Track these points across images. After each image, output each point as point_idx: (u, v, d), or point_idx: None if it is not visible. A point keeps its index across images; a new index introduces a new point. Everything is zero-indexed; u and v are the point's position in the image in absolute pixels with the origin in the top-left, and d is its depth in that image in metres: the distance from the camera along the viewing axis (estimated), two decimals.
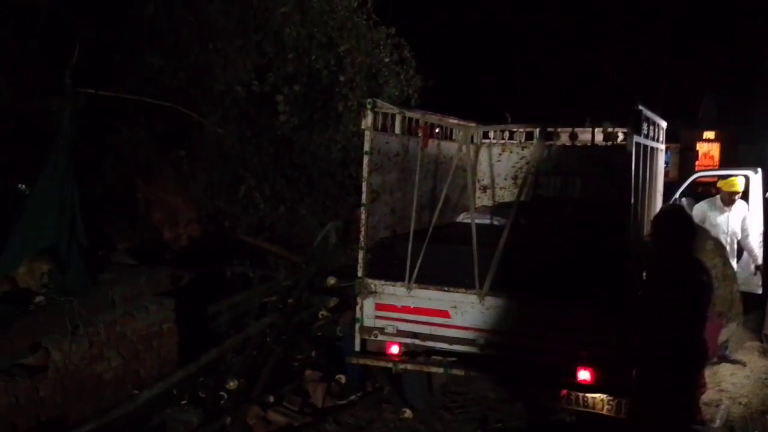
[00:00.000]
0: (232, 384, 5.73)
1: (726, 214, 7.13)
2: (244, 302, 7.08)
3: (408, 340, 5.09)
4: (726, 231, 7.04)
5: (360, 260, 5.14)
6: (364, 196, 5.13)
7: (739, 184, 7.30)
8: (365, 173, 5.11)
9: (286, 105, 6.65)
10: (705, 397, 5.63)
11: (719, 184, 7.47)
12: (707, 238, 5.16)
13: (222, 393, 5.70)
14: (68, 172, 5.49)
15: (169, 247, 7.87)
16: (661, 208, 6.00)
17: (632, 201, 4.76)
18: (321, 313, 6.78)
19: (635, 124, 4.88)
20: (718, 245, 5.22)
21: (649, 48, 24.38)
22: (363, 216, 5.13)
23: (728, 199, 7.20)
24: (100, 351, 5.26)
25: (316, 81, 6.93)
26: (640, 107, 5.02)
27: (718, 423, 5.40)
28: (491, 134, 7.35)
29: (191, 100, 6.99)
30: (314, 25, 6.80)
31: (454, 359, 5.03)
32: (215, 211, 7.90)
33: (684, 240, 4.14)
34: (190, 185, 7.80)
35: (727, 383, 6.22)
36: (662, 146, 7.12)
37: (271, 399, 5.58)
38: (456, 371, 5.01)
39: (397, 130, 5.57)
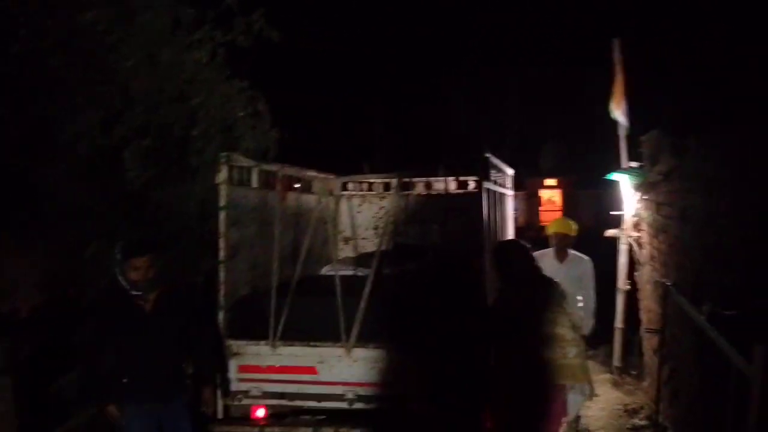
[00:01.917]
0: None
1: (558, 268, 6.09)
2: None
3: (274, 402, 4.90)
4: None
5: (220, 320, 4.92)
6: (221, 253, 4.95)
7: (568, 225, 6.55)
8: (222, 229, 4.94)
9: (135, 160, 6.34)
10: None
11: (548, 228, 6.64)
12: (553, 291, 4.38)
13: None
14: None
15: (6, 319, 7.15)
16: (497, 243, 5.41)
17: (486, 244, 4.94)
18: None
19: (484, 171, 5.12)
20: (562, 300, 4.34)
21: (497, 102, 26.01)
22: (221, 273, 4.94)
23: (559, 247, 6.37)
24: None
25: (168, 135, 6.68)
26: (488, 155, 5.28)
27: None
28: (350, 185, 7.44)
29: (32, 157, 6.50)
30: (163, 78, 6.58)
31: (323, 417, 4.89)
32: (60, 275, 7.31)
33: (530, 262, 4.43)
34: (31, 249, 7.19)
35: (584, 417, 6.51)
36: (510, 192, 7.52)
37: None
38: (326, 430, 4.86)
39: (255, 183, 5.47)
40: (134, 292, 4.20)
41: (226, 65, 7.07)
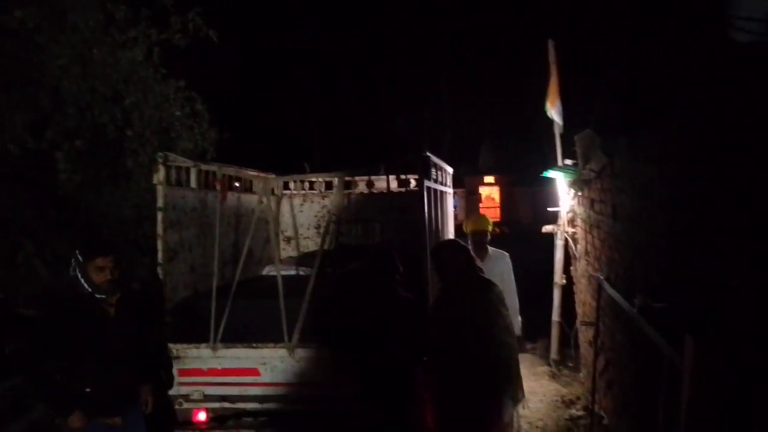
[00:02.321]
0: None
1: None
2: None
3: (216, 405, 4.84)
4: None
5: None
6: (160, 255, 4.87)
7: (485, 222, 6.33)
8: (160, 231, 4.87)
9: (67, 162, 6.15)
10: None
11: (464, 226, 6.46)
12: (491, 293, 4.25)
13: None
14: None
15: None
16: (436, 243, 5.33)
17: (428, 243, 5.00)
18: None
19: (425, 170, 5.18)
20: (499, 302, 4.20)
21: (434, 102, 26.25)
22: (160, 276, 4.86)
23: (477, 245, 6.04)
24: None
25: (101, 136, 6.51)
26: (428, 154, 5.35)
27: None
28: (291, 185, 7.41)
29: None
30: (96, 78, 6.41)
31: (265, 419, 4.86)
32: None
33: (468, 263, 4.33)
34: None
35: (524, 409, 6.65)
36: (450, 190, 7.62)
37: None
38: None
39: (193, 184, 5.40)
40: (98, 295, 3.87)
41: (163, 65, 6.94)
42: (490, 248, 6.30)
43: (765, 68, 2.74)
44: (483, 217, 6.52)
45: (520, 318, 6.23)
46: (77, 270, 3.89)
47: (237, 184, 6.30)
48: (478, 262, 5.39)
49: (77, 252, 3.93)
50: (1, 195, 6.21)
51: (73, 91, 6.39)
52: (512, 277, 6.18)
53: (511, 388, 4.11)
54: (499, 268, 6.07)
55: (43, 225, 6.66)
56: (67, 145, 6.20)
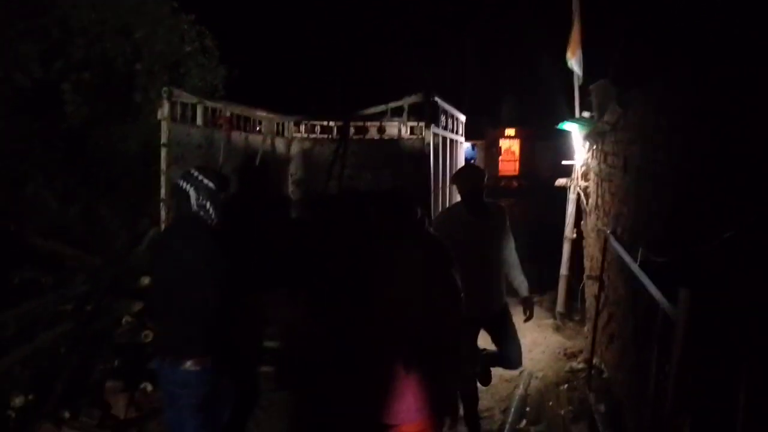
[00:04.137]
0: (18, 400, 5.17)
1: (472, 222, 4.53)
2: (34, 311, 6.42)
3: None
4: (480, 255, 4.41)
5: None
6: (162, 191, 4.87)
7: (480, 172, 4.76)
8: (163, 166, 4.87)
9: (74, 94, 6.12)
10: (507, 374, 5.98)
11: (456, 183, 4.89)
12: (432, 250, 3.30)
13: (9, 411, 5.13)
14: None
15: None
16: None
17: (433, 187, 4.94)
18: (124, 319, 6.33)
19: (432, 115, 5.07)
20: (448, 262, 3.26)
21: (457, 52, 25.75)
22: (162, 212, 4.87)
23: (473, 203, 4.58)
24: None
25: (110, 70, 6.46)
26: (436, 98, 5.23)
27: (517, 398, 5.76)
28: (302, 128, 7.34)
29: None
30: (107, 9, 6.33)
31: None
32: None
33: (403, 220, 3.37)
34: None
35: (526, 360, 6.65)
36: (461, 138, 7.50)
37: (67, 414, 5.11)
38: None
39: (199, 121, 5.35)
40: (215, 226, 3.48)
41: None
42: (486, 201, 4.77)
43: None
44: (474, 171, 5.01)
45: (524, 277, 4.92)
46: (207, 199, 3.44)
47: (246, 123, 6.23)
48: (470, 220, 4.56)
49: (204, 180, 3.47)
50: (8, 125, 6.22)
51: (82, 21, 6.32)
52: (510, 233, 4.90)
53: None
54: (497, 221, 4.77)
55: (52, 157, 6.69)
56: (75, 76, 6.16)
